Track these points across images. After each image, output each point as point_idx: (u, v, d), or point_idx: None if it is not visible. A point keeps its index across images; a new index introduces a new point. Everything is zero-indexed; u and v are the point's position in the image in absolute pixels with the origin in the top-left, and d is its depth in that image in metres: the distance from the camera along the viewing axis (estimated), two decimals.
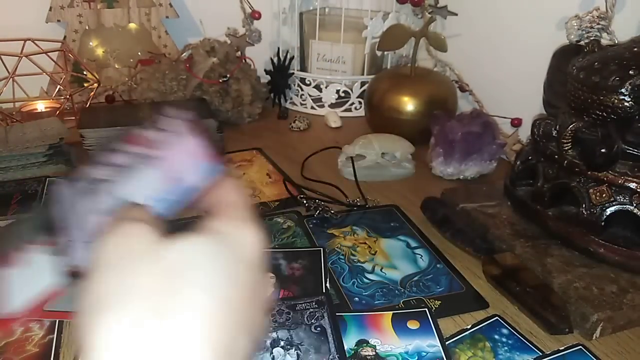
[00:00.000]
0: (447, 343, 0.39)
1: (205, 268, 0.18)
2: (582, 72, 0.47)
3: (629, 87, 0.43)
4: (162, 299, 0.17)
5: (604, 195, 0.45)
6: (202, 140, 0.24)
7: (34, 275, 0.27)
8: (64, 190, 0.25)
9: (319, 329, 0.39)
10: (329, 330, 0.39)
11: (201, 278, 0.18)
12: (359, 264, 0.49)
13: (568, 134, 0.47)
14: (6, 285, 0.26)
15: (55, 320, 0.40)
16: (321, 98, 0.91)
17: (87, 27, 0.86)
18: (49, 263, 0.25)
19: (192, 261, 0.18)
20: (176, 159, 0.23)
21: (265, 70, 0.91)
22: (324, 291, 0.44)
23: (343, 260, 0.49)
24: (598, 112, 0.45)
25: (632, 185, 0.44)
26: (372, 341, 0.39)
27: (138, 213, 0.22)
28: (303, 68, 0.95)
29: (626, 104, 0.43)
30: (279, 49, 0.92)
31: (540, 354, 0.39)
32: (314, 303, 0.41)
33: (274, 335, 0.38)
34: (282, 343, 0.38)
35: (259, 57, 0.92)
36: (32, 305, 0.27)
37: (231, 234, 0.20)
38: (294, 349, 0.37)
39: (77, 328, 0.18)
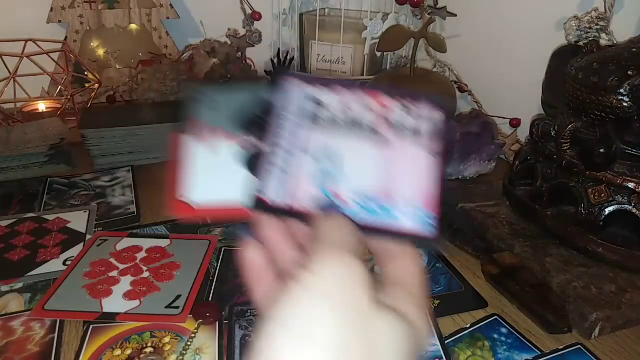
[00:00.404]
0: (446, 342, 0.39)
1: (396, 355, 0.18)
2: (580, 72, 0.47)
3: (628, 87, 0.43)
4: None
5: (602, 195, 0.45)
6: (440, 179, 0.20)
7: (222, 170, 0.23)
8: (294, 90, 0.21)
9: None
10: None
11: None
12: None
13: (567, 134, 0.47)
14: (191, 163, 0.23)
15: (56, 320, 0.40)
16: None
17: (88, 28, 0.87)
18: (242, 171, 0.22)
19: (388, 343, 0.18)
20: (407, 170, 0.20)
21: (265, 71, 0.91)
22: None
23: None
24: (597, 113, 0.45)
25: (631, 185, 0.44)
26: None
27: (353, 237, 0.20)
28: (303, 69, 0.95)
29: (625, 104, 0.44)
30: (279, 49, 0.92)
31: (539, 353, 0.39)
32: None
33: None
34: None
35: (260, 58, 0.93)
36: (210, 208, 0.23)
37: (417, 322, 0.19)
38: None
39: (255, 346, 0.17)
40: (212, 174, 0.23)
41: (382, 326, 0.18)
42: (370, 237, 0.21)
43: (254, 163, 0.21)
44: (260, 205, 0.21)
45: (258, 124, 0.22)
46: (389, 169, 0.20)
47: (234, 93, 0.25)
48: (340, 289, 0.17)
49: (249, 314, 0.40)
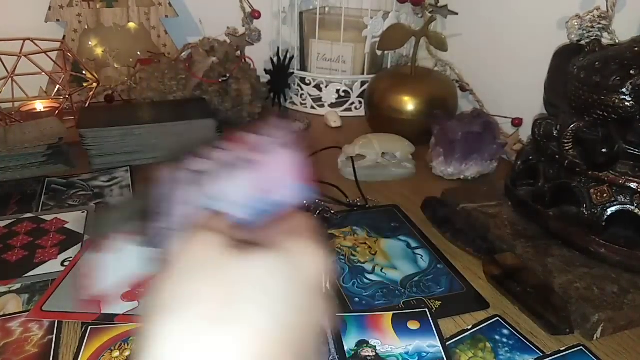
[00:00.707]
0: (447, 343, 0.39)
1: (265, 285, 0.19)
2: (582, 71, 0.47)
3: (630, 86, 0.43)
4: (218, 309, 0.17)
5: (604, 195, 0.45)
6: (300, 157, 0.23)
7: (123, 262, 0.27)
8: (164, 177, 0.24)
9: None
10: (328, 331, 0.39)
11: (259, 294, 0.18)
12: (359, 264, 0.49)
13: (569, 134, 0.47)
14: (97, 269, 0.26)
15: (55, 321, 0.40)
16: (321, 98, 0.91)
17: (86, 27, 0.86)
18: (138, 251, 0.25)
19: (253, 276, 0.19)
20: (272, 169, 0.23)
21: (265, 70, 0.90)
22: (324, 291, 0.44)
23: (343, 261, 0.49)
24: (599, 112, 0.45)
25: (633, 185, 0.44)
26: (372, 342, 0.39)
27: (217, 222, 0.22)
28: (303, 67, 0.95)
29: (627, 103, 0.43)
30: (278, 48, 0.92)
31: (541, 354, 0.38)
32: None
33: None
34: None
35: (259, 57, 0.92)
36: (120, 287, 0.26)
37: (297, 255, 0.20)
38: None
39: (141, 328, 0.18)
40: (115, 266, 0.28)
41: (243, 265, 0.19)
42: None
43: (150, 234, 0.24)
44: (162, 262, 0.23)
45: (143, 216, 0.25)
46: (264, 177, 0.23)
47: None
48: (192, 258, 0.19)
49: None
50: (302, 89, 0.92)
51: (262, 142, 0.24)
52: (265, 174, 0.23)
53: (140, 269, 0.25)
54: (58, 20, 0.84)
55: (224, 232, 0.21)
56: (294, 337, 0.19)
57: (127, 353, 0.37)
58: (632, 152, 0.45)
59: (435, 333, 0.39)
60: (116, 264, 0.27)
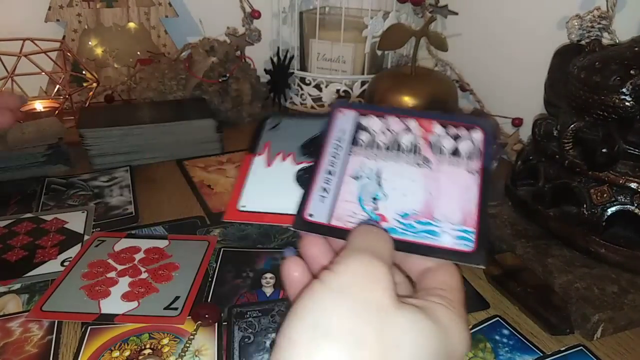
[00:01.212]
0: None
1: (419, 355, 0.17)
2: (583, 71, 0.47)
3: (630, 86, 0.43)
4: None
5: (605, 195, 0.45)
6: (485, 183, 0.21)
7: (279, 187, 0.24)
8: (347, 121, 0.23)
9: None
10: None
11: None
12: None
13: (569, 134, 0.47)
14: (253, 179, 0.24)
15: (54, 321, 0.40)
16: (321, 97, 0.91)
17: (86, 27, 0.86)
18: (296, 190, 0.24)
19: (411, 341, 0.17)
20: (447, 189, 0.21)
21: (265, 70, 0.90)
22: None
23: None
24: (599, 112, 0.45)
25: (633, 185, 0.44)
26: None
27: (383, 244, 0.20)
28: (303, 67, 0.95)
29: (627, 103, 0.43)
30: (278, 48, 0.92)
31: (541, 354, 0.38)
32: None
33: (274, 336, 0.38)
34: None
35: (259, 57, 0.92)
36: (261, 215, 0.24)
37: (450, 328, 0.19)
38: None
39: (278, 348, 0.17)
40: (270, 189, 0.25)
41: (404, 323, 0.17)
42: (408, 253, 0.21)
43: (305, 183, 0.23)
44: (305, 224, 0.22)
45: (313, 150, 0.24)
46: (429, 188, 0.21)
47: (301, 123, 0.27)
48: (359, 285, 0.18)
49: (248, 316, 0.40)
50: (302, 89, 0.92)
51: (448, 140, 0.21)
52: (438, 187, 0.21)
53: (289, 206, 0.23)
54: (58, 20, 0.84)
55: (388, 262, 0.19)
56: None
57: (127, 353, 0.37)
58: (632, 152, 0.45)
59: None
60: (272, 183, 0.25)
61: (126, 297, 0.42)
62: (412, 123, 0.22)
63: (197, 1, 0.95)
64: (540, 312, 0.41)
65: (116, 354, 0.37)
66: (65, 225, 0.53)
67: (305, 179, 0.23)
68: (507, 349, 0.39)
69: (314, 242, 0.22)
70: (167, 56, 0.89)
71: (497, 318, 0.42)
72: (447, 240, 0.21)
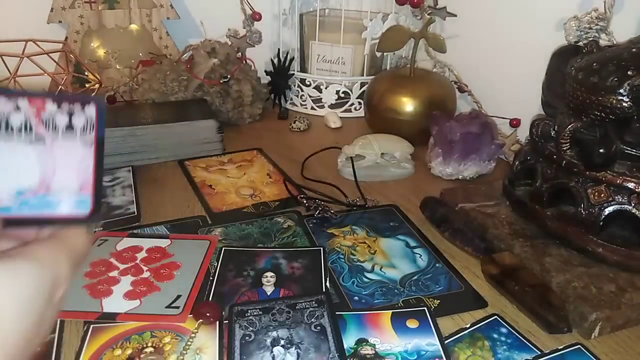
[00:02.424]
0: (446, 342, 0.39)
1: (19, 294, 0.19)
2: (580, 72, 0.47)
3: (627, 87, 0.43)
4: None
5: (602, 195, 0.45)
6: (100, 152, 0.23)
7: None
8: None
9: (318, 327, 0.39)
10: (328, 329, 0.39)
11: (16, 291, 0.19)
12: (358, 263, 0.49)
13: (567, 134, 0.47)
14: None
15: (57, 320, 0.40)
16: (321, 99, 0.91)
17: (88, 28, 0.87)
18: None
19: (8, 293, 0.19)
20: (64, 158, 0.23)
21: (265, 71, 0.91)
22: (323, 290, 0.44)
23: (343, 260, 0.49)
24: (596, 113, 0.45)
25: (631, 185, 0.44)
26: (371, 340, 0.39)
27: None
28: (303, 69, 0.95)
29: (624, 104, 0.44)
30: (279, 50, 0.93)
31: (539, 353, 0.39)
32: (313, 302, 0.42)
33: (274, 334, 0.39)
34: (282, 342, 0.38)
35: (260, 58, 0.93)
36: None
37: (48, 263, 0.21)
38: (294, 348, 0.37)
39: None
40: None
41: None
42: (25, 228, 0.23)
43: None
44: None
45: None
46: (44, 163, 0.23)
47: None
48: None
49: (248, 314, 0.40)
50: (302, 90, 0.92)
51: (59, 115, 0.23)
52: (54, 161, 0.22)
53: None
54: (60, 22, 0.85)
55: None
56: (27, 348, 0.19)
57: (128, 351, 0.38)
58: (629, 152, 0.45)
59: (434, 331, 0.40)
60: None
61: (128, 295, 0.43)
62: (23, 102, 0.23)
63: (198, 3, 0.96)
64: (538, 310, 0.41)
65: (118, 352, 0.38)
66: None
67: None
68: (505, 347, 0.39)
69: None
70: (168, 57, 0.89)
71: (495, 316, 0.42)
72: (65, 209, 0.23)
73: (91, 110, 0.23)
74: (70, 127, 0.23)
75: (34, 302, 0.20)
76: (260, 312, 0.41)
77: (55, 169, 0.23)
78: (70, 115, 0.23)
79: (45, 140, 0.23)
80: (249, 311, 0.41)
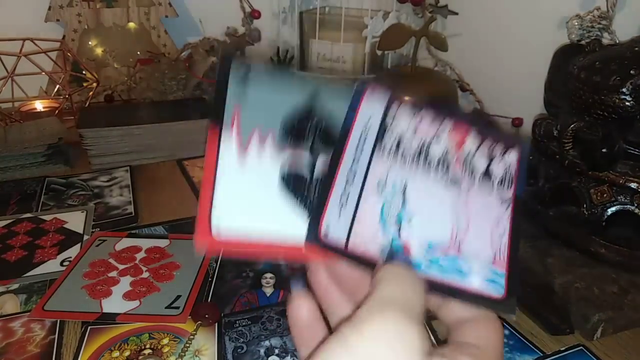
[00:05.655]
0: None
1: None
2: (583, 71, 0.47)
3: (630, 86, 0.43)
4: None
5: (605, 195, 0.45)
6: (516, 217, 0.17)
7: (263, 190, 0.17)
8: (370, 105, 0.17)
9: None
10: None
11: None
12: None
13: (569, 134, 0.47)
14: (222, 176, 0.17)
15: (57, 321, 0.40)
16: None
17: (86, 27, 0.86)
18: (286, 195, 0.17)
19: None
20: (477, 219, 0.17)
21: None
22: None
23: None
24: (599, 112, 0.45)
25: (633, 185, 0.44)
26: None
27: (416, 296, 0.16)
28: (303, 67, 0.95)
29: (627, 103, 0.43)
30: (278, 48, 0.92)
31: (541, 354, 0.38)
32: None
33: (267, 343, 0.38)
34: (276, 351, 0.37)
35: (259, 57, 0.92)
36: (242, 241, 0.17)
37: None
38: (289, 356, 0.37)
39: None
40: (249, 193, 0.17)
41: None
42: (433, 294, 0.18)
43: (299, 187, 0.17)
44: (315, 242, 0.17)
45: (297, 134, 0.17)
46: (458, 215, 0.17)
47: (278, 81, 0.18)
48: (388, 356, 0.15)
49: (237, 325, 0.39)
50: None
51: (483, 153, 0.17)
52: (468, 216, 0.17)
53: (281, 220, 0.17)
54: (58, 20, 0.84)
55: (421, 320, 0.15)
56: None
57: (127, 353, 0.37)
58: (632, 151, 0.45)
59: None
60: (252, 183, 0.17)
61: (127, 296, 0.42)
62: (446, 127, 0.17)
63: (197, 1, 0.95)
64: (540, 312, 0.41)
65: (116, 354, 0.37)
66: (65, 225, 0.53)
67: (301, 178, 0.17)
68: (507, 348, 0.39)
69: (325, 270, 0.19)
70: (167, 56, 0.89)
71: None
72: (475, 281, 0.17)
73: (512, 157, 0.18)
74: (487, 174, 0.18)
75: None
76: (250, 322, 0.39)
77: (469, 226, 0.17)
78: (491, 159, 0.18)
79: (461, 186, 0.17)
80: (237, 322, 0.40)
